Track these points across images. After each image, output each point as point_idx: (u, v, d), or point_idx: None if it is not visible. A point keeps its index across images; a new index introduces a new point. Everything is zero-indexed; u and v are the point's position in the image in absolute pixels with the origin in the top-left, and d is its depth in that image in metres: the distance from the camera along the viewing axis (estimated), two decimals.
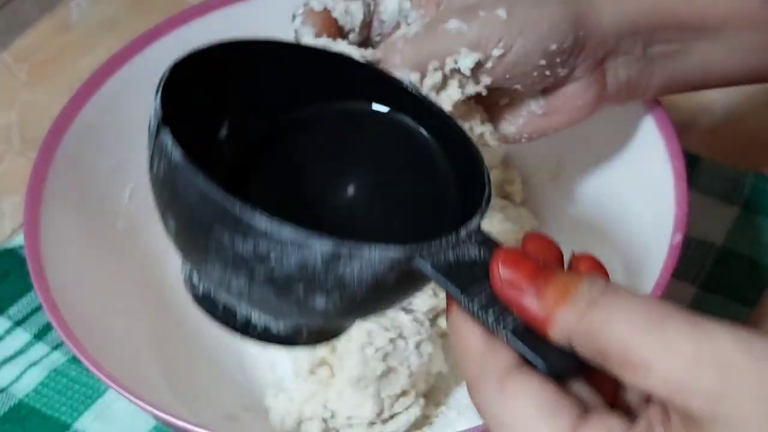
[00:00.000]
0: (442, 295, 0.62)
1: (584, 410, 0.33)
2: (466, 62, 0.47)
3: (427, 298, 0.59)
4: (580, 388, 0.35)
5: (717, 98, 0.77)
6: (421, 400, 0.58)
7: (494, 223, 0.62)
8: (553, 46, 0.48)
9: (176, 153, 0.37)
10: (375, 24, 0.51)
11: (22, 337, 0.64)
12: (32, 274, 0.52)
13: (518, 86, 0.50)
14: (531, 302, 0.34)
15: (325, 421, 0.57)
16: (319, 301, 0.37)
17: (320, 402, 0.57)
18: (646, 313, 0.32)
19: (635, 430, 0.32)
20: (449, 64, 0.48)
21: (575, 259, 0.38)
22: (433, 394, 0.60)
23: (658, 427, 0.32)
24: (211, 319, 0.43)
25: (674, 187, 0.54)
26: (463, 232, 0.38)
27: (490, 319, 0.35)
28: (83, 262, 0.57)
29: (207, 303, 0.42)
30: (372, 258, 0.36)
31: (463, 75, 0.48)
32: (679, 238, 0.51)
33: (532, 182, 0.65)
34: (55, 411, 0.61)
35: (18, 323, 0.64)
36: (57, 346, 0.63)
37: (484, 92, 0.49)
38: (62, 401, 0.61)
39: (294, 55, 0.46)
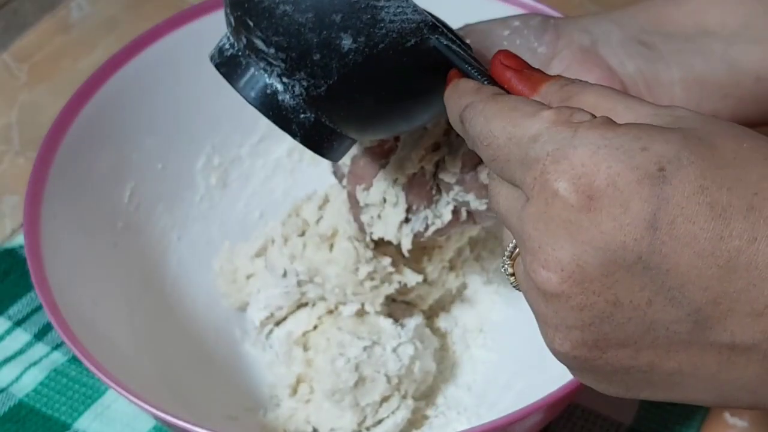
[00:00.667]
0: (437, 296, 0.62)
1: None
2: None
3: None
4: None
5: None
6: (410, 402, 0.58)
7: None
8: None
9: None
10: None
11: (21, 337, 0.64)
12: (32, 274, 0.52)
13: None
14: (521, 78, 0.39)
15: None
16: (347, 42, 0.41)
17: (303, 418, 0.58)
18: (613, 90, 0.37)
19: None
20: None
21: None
22: (427, 394, 0.60)
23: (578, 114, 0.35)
24: (235, 86, 0.44)
25: None
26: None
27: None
28: (83, 262, 0.57)
29: (234, 69, 0.44)
30: (404, 6, 0.40)
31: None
32: None
33: None
34: (55, 411, 0.61)
35: (18, 323, 0.64)
36: (57, 346, 0.63)
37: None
38: (62, 401, 0.61)
39: None
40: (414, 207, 0.52)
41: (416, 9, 0.41)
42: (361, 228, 0.54)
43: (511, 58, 0.39)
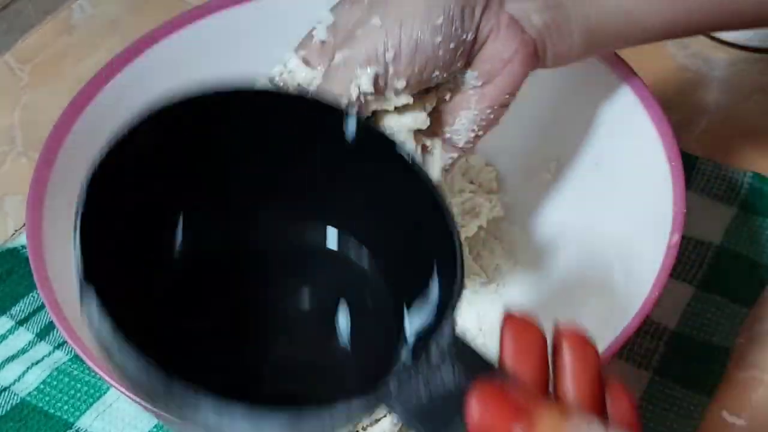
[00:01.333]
0: None
1: None
2: (364, 80, 0.48)
3: None
4: None
5: (714, 98, 0.78)
6: None
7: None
8: (439, 19, 0.49)
9: (105, 328, 0.32)
10: None
11: (24, 336, 0.64)
12: (35, 272, 0.52)
13: (438, 74, 0.50)
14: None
15: None
16: None
17: None
18: None
19: None
20: (354, 92, 0.48)
21: (558, 334, 0.36)
22: None
23: None
24: None
25: (672, 187, 0.54)
26: (434, 355, 0.34)
27: None
28: None
29: None
30: (335, 417, 0.33)
31: (372, 93, 0.48)
32: (676, 238, 0.52)
33: (531, 183, 0.66)
34: (57, 410, 0.61)
35: (20, 322, 0.65)
36: (59, 345, 0.63)
37: (411, 101, 0.50)
38: (64, 400, 0.61)
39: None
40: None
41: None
42: None
43: (487, 407, 0.32)
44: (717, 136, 0.75)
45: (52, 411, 0.61)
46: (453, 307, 0.35)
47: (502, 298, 0.64)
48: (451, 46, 0.49)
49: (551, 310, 0.61)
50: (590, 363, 0.34)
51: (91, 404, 0.61)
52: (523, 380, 0.34)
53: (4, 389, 0.62)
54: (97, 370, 0.49)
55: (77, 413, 0.61)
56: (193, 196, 0.40)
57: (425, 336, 0.36)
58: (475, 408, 0.32)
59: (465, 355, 0.35)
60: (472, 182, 0.65)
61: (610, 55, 0.59)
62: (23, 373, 0.62)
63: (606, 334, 0.52)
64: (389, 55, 0.48)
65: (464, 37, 0.50)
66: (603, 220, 0.60)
